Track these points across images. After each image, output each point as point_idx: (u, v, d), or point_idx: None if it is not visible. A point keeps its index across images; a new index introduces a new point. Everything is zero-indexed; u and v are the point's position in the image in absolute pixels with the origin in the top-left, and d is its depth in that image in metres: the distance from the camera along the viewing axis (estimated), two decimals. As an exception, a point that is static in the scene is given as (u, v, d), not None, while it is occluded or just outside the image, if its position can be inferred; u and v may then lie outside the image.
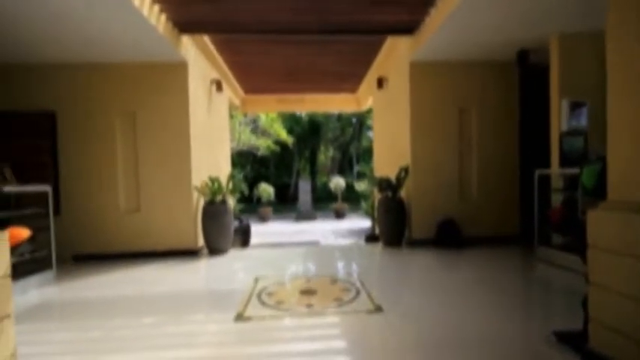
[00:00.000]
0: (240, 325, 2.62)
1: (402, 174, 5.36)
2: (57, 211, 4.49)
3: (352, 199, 17.48)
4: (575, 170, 3.70)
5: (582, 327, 2.11)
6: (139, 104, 5.00)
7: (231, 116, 10.09)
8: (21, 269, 3.42)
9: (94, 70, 4.92)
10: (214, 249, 5.15)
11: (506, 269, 4.11)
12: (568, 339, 2.16)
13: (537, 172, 4.48)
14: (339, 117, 24.05)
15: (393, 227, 5.38)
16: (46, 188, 3.94)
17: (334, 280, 3.68)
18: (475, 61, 5.29)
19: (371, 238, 7.09)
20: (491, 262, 4.37)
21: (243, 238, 7.17)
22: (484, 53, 5.03)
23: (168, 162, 5.02)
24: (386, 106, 6.79)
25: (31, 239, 3.33)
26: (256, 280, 3.72)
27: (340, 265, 4.54)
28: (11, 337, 1.78)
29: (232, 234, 5.44)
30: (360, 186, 13.11)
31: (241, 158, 18.84)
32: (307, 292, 3.33)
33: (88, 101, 4.95)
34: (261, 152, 14.47)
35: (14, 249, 2.74)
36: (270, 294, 3.28)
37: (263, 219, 14.51)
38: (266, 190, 14.91)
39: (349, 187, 17.23)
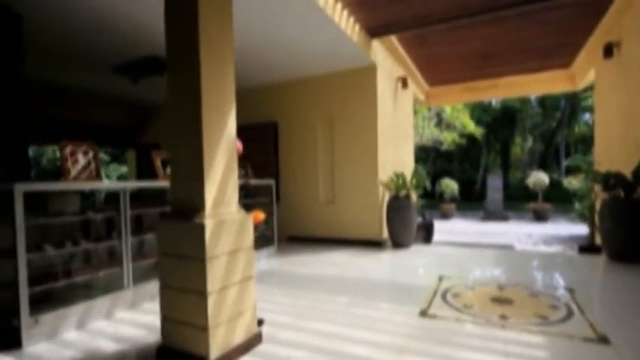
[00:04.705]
0: (425, 321, 2.65)
1: (644, 169, 4.05)
2: (278, 200, 5.70)
3: (557, 199, 14.38)
4: None
5: None
6: (335, 109, 5.71)
7: (415, 111, 10.06)
8: (257, 243, 4.53)
9: (301, 84, 5.94)
10: (397, 242, 5.33)
11: None
12: None
13: None
14: (542, 100, 20.10)
15: (627, 237, 4.14)
16: (271, 182, 5.06)
17: (534, 293, 3.18)
18: None
19: (588, 248, 5.69)
20: None
21: (426, 234, 7.11)
22: None
23: (358, 159, 5.54)
24: (617, 79, 5.22)
25: (265, 221, 4.37)
26: (440, 279, 3.64)
27: (542, 275, 3.86)
28: (253, 293, 2.43)
29: (415, 229, 5.49)
30: (571, 183, 10.63)
31: (423, 153, 18.54)
32: (500, 300, 3.02)
33: (298, 111, 6.03)
34: (444, 146, 13.81)
35: (255, 227, 3.68)
36: (455, 295, 3.15)
37: (445, 216, 13.88)
38: (449, 185, 14.17)
39: (553, 184, 14.24)
